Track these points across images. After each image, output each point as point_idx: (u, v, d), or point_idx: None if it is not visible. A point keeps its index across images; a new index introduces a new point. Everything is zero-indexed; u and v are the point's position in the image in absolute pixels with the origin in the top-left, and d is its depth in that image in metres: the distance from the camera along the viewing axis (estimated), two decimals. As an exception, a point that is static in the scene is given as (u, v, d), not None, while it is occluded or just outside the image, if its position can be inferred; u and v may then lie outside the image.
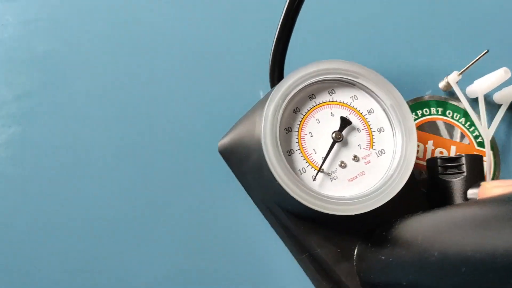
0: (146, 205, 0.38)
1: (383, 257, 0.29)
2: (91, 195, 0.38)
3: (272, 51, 0.35)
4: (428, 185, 0.38)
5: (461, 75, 0.42)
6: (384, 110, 0.34)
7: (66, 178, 0.38)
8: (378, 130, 0.34)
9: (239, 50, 0.43)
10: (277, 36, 0.34)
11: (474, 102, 0.43)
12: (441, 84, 0.43)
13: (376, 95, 0.34)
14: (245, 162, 0.35)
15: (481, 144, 0.43)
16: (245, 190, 0.37)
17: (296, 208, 0.32)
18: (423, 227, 0.27)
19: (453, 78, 0.42)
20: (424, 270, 0.24)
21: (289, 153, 0.32)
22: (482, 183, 0.33)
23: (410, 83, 0.44)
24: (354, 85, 0.34)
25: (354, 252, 0.33)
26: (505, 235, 0.19)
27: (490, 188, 0.32)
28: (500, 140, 0.43)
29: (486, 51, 0.40)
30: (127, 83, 0.41)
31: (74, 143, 0.39)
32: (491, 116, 0.43)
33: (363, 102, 0.34)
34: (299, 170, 0.32)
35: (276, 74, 0.36)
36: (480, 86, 0.42)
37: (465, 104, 0.42)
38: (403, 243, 0.28)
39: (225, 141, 0.37)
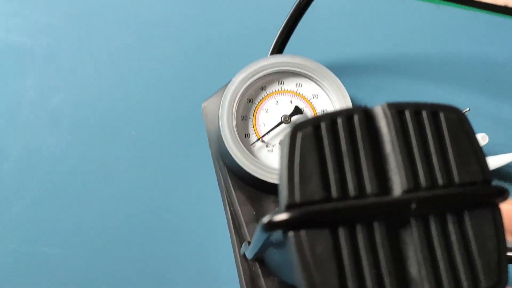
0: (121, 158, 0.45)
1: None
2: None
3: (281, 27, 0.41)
4: None
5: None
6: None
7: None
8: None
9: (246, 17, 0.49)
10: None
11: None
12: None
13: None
14: (214, 121, 0.42)
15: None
16: (209, 145, 0.43)
17: (231, 164, 0.38)
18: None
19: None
20: None
21: (243, 118, 0.39)
22: None
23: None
24: (318, 85, 0.40)
25: (266, 219, 0.38)
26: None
27: None
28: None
29: (467, 109, 0.42)
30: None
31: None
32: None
33: (323, 101, 0.40)
34: (246, 134, 0.39)
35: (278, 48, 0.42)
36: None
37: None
38: None
39: (209, 100, 0.44)
